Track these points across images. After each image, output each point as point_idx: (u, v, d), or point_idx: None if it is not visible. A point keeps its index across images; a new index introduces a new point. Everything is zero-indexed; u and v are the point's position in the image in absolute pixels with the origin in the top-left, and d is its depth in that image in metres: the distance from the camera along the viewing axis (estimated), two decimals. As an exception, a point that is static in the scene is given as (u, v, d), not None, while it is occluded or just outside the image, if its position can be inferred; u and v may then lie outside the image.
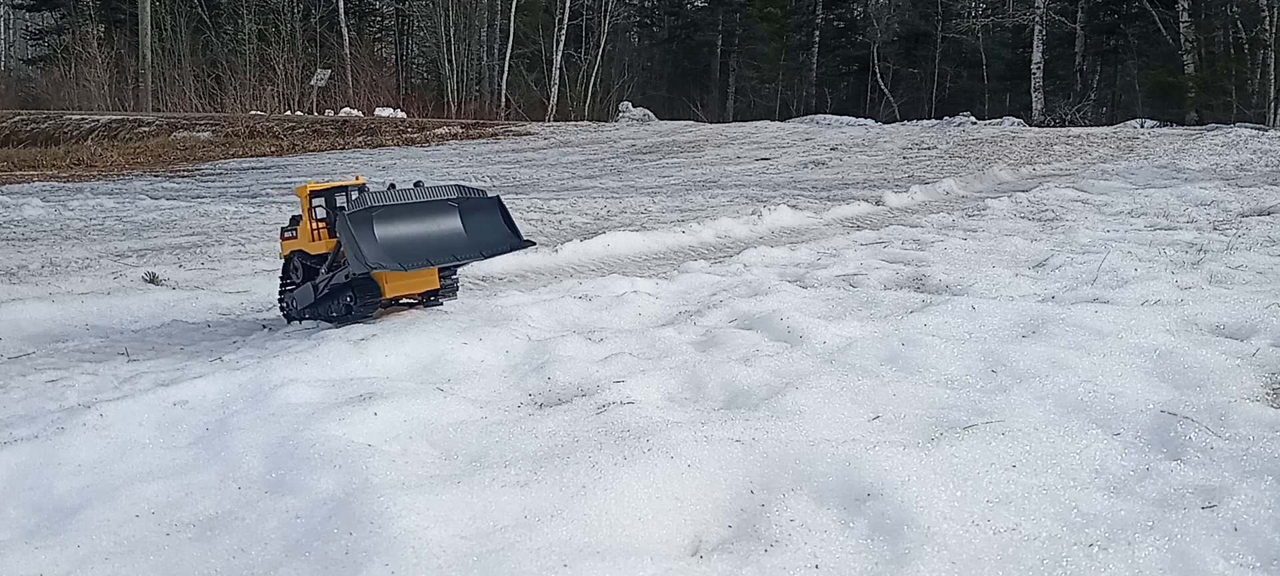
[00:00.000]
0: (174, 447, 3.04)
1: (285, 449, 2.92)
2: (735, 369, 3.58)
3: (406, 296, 4.40)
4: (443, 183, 4.09)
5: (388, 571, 2.19)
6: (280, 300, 4.64)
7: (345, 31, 36.59)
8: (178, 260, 6.96)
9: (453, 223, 4.00)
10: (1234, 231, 7.57)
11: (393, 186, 4.10)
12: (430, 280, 4.30)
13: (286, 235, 4.51)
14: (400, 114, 29.66)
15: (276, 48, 32.61)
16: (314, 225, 4.27)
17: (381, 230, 3.75)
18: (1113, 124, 25.49)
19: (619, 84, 37.16)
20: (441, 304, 4.45)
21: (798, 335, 4.14)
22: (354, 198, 4.17)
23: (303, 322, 4.54)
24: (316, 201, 4.34)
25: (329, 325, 4.30)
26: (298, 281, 4.42)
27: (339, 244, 4.00)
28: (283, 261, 4.59)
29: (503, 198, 4.20)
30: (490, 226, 4.09)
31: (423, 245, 3.86)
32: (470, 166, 17.45)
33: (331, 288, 4.19)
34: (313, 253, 4.29)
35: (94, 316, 5.17)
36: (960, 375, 3.55)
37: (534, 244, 4.16)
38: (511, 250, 4.14)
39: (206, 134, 24.94)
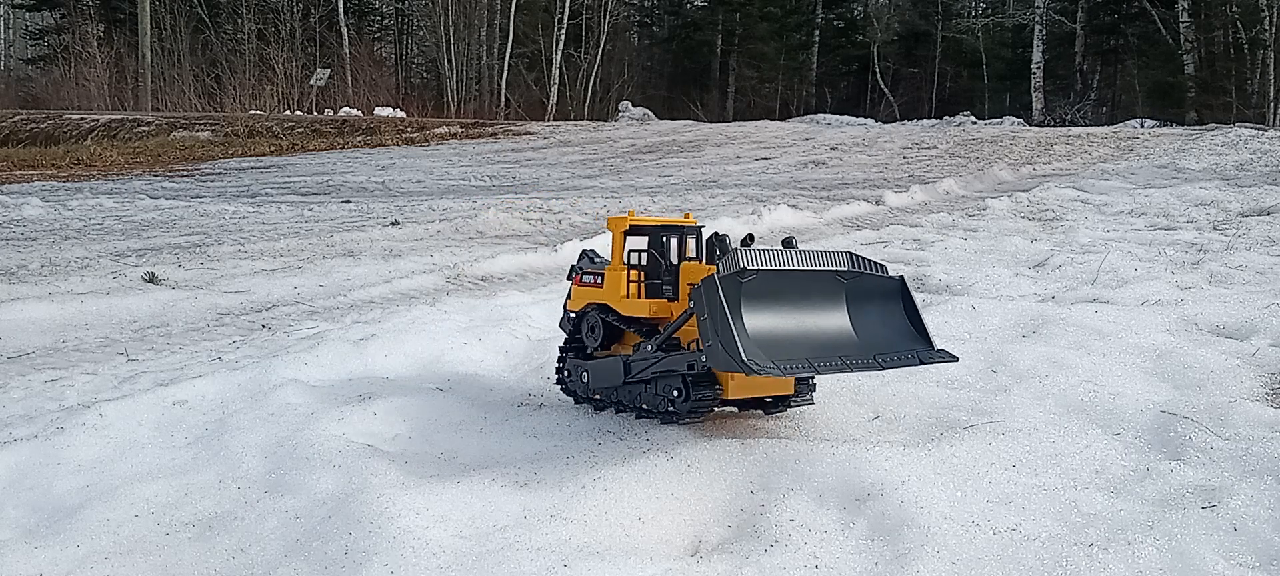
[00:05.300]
0: (174, 447, 3.04)
1: (285, 449, 2.91)
2: (735, 369, 3.58)
3: (750, 398, 3.12)
4: (828, 248, 2.99)
5: (388, 571, 2.19)
6: (560, 365, 3.39)
7: (345, 31, 36.58)
8: (177, 260, 6.96)
9: (838, 311, 2.90)
10: (1234, 231, 7.57)
11: (751, 238, 3.01)
12: (785, 382, 3.06)
13: (584, 279, 3.31)
14: (400, 113, 29.66)
15: (276, 47, 32.64)
16: (631, 274, 3.12)
17: (752, 313, 2.70)
18: (1113, 124, 25.49)
19: (619, 83, 37.16)
20: (788, 409, 3.19)
21: (798, 335, 4.13)
22: (707, 251, 3.06)
23: (594, 405, 3.29)
24: (635, 241, 3.18)
25: (630, 413, 3.16)
26: (595, 345, 3.23)
27: (686, 314, 2.89)
28: (570, 314, 3.37)
29: (904, 281, 3.00)
30: (887, 322, 2.94)
31: (800, 341, 2.78)
32: (470, 166, 17.45)
33: (657, 372, 3.02)
34: (624, 312, 3.13)
35: (94, 316, 5.17)
36: (960, 375, 3.55)
37: (955, 358, 2.90)
38: (920, 363, 2.90)
39: (206, 133, 24.94)
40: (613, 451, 2.83)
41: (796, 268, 2.82)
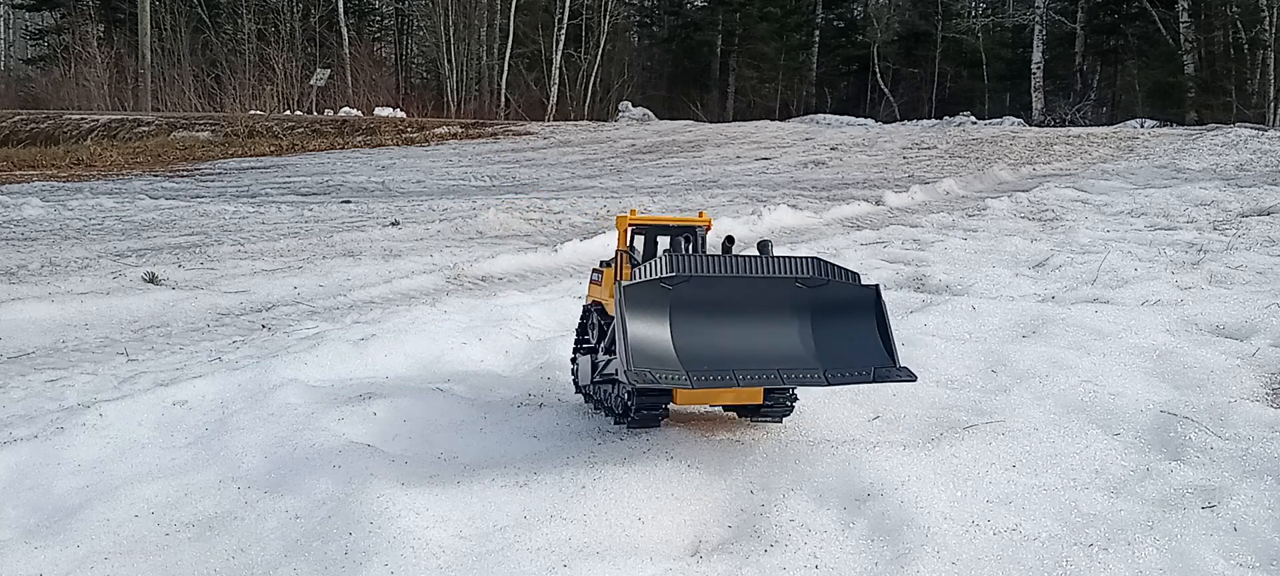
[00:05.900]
0: (174, 447, 3.04)
1: (285, 449, 2.91)
2: (735, 369, 3.57)
3: (713, 406, 3.08)
4: (795, 253, 2.80)
5: (388, 571, 2.19)
6: (572, 360, 3.46)
7: (345, 31, 36.58)
8: (177, 260, 6.96)
9: (796, 320, 2.70)
10: (1234, 231, 7.57)
11: (730, 242, 2.93)
12: (753, 393, 2.91)
13: (593, 276, 3.30)
14: (400, 113, 29.65)
15: (276, 47, 32.64)
16: (627, 272, 3.04)
17: (681, 322, 2.58)
18: (1113, 124, 25.49)
19: (619, 84, 37.16)
20: (769, 420, 3.08)
21: (798, 335, 4.13)
22: (687, 248, 3.03)
23: (589, 402, 3.33)
24: (640, 240, 3.18)
25: (608, 416, 3.15)
26: (591, 344, 3.25)
27: None
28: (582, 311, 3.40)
29: (880, 292, 2.78)
30: (853, 334, 2.71)
31: (741, 351, 2.62)
32: (470, 166, 17.44)
33: (605, 375, 3.05)
34: (612, 311, 3.03)
35: (94, 316, 5.17)
36: (960, 375, 3.55)
37: (914, 377, 2.71)
38: (876, 381, 2.69)
39: (206, 134, 24.94)
40: (613, 451, 2.83)
41: (738, 275, 2.65)
